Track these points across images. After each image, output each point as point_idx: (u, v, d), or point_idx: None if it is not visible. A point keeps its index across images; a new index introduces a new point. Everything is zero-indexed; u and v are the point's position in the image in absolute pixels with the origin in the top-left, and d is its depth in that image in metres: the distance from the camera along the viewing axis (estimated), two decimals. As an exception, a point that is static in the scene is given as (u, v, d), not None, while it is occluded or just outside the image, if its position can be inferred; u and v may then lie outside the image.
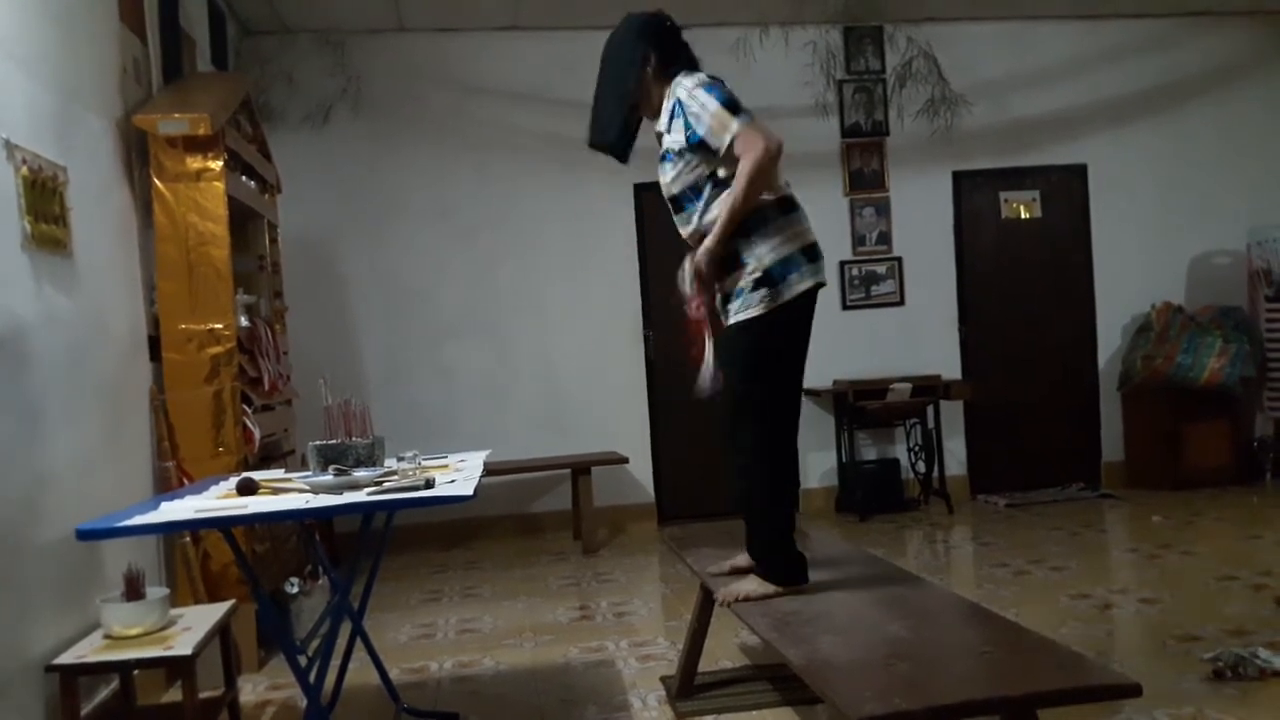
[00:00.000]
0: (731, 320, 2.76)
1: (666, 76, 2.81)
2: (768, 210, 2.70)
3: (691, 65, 2.85)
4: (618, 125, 2.87)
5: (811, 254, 2.73)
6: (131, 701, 3.08)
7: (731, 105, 2.66)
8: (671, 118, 2.78)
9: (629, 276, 6.54)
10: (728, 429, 2.79)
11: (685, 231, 2.85)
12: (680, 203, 2.83)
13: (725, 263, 2.73)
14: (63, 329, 3.09)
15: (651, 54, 2.82)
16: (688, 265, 2.76)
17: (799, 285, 2.69)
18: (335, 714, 3.09)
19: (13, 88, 2.90)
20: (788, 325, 2.72)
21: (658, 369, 6.57)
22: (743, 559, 2.93)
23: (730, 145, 2.63)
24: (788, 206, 2.74)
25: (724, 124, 2.64)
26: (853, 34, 6.73)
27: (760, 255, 2.68)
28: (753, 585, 2.76)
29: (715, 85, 2.72)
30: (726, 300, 2.77)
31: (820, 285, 2.75)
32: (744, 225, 2.68)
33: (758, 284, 2.68)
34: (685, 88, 2.74)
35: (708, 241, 2.70)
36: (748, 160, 2.59)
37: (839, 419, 6.54)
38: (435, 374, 6.36)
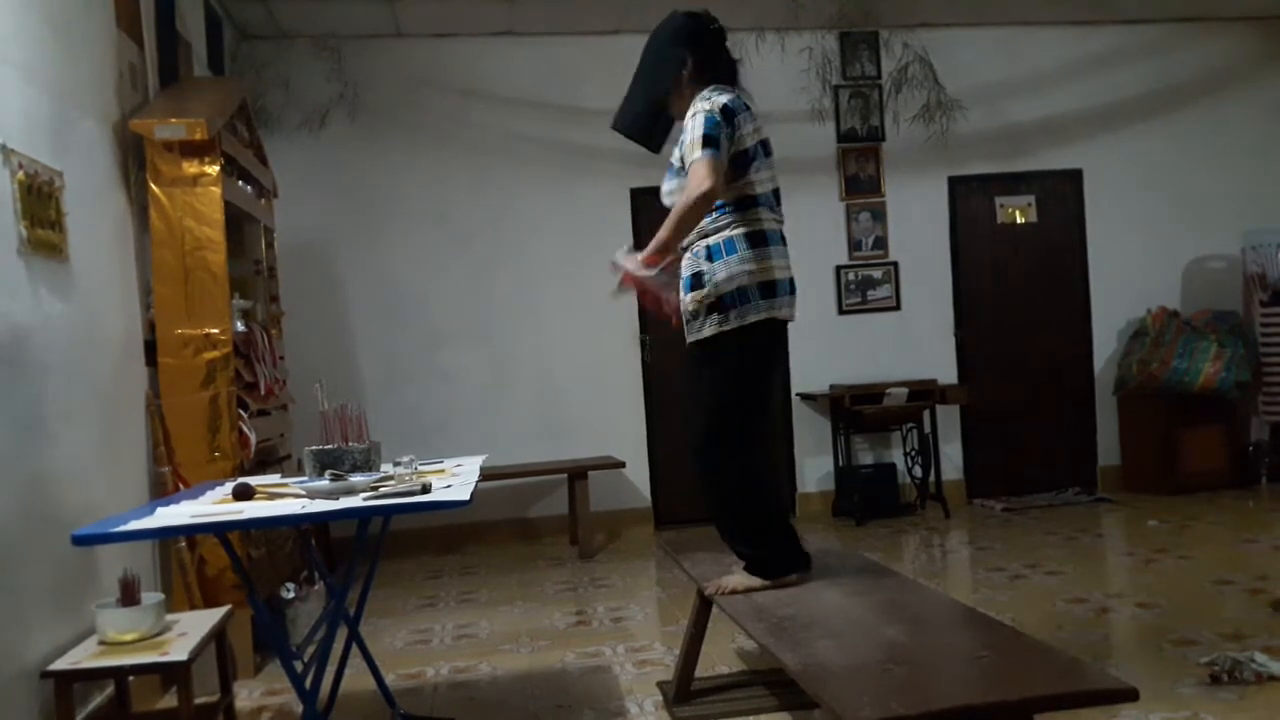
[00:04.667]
0: (689, 340, 2.87)
1: (700, 82, 2.84)
2: (736, 240, 2.76)
3: (729, 72, 2.89)
4: (638, 120, 2.96)
5: (768, 290, 2.76)
6: (127, 708, 3.08)
7: (709, 138, 2.68)
8: (681, 133, 2.83)
9: (626, 281, 6.53)
10: (694, 445, 2.87)
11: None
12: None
13: (688, 281, 2.82)
14: (58, 334, 3.08)
15: (689, 58, 2.85)
16: (625, 261, 2.77)
17: (751, 316, 2.75)
18: (331, 720, 3.09)
19: (9, 92, 2.90)
20: (740, 350, 2.78)
21: (654, 373, 6.57)
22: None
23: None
24: (758, 240, 2.77)
25: (691, 150, 2.70)
26: (848, 40, 6.74)
27: (718, 282, 2.75)
28: (740, 578, 2.86)
29: (714, 114, 2.71)
30: (690, 319, 2.85)
31: (779, 320, 2.80)
32: (709, 250, 2.77)
33: (710, 309, 2.78)
34: (694, 109, 2.77)
35: (644, 253, 2.75)
36: (684, 193, 2.67)
37: (835, 424, 6.54)
38: (432, 379, 6.36)
